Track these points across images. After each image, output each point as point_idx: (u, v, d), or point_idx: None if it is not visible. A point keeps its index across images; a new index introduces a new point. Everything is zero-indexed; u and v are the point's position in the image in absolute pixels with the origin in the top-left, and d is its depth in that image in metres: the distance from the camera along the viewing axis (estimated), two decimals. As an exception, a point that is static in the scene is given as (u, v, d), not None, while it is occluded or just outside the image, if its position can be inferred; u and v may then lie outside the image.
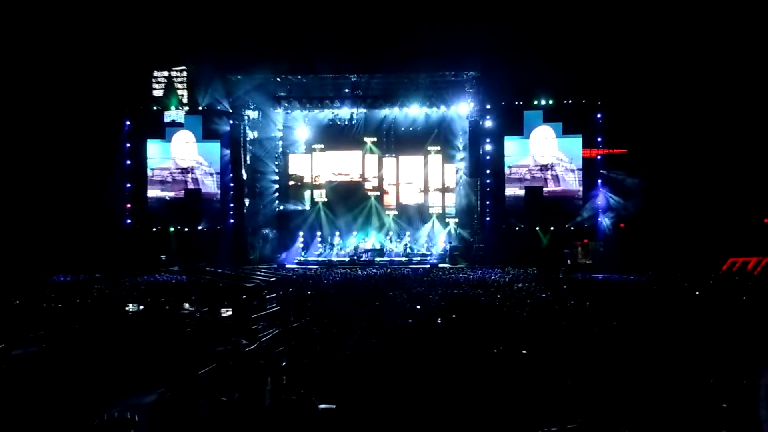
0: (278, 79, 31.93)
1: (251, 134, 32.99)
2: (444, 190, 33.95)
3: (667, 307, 13.93)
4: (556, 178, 30.74)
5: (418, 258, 31.27)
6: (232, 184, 32.00)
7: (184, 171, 32.32)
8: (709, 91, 27.02)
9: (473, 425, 7.33)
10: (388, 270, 26.65)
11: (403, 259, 31.17)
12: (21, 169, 29.07)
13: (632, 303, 14.87)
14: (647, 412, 6.77)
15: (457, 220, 33.53)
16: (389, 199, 34.20)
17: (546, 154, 30.78)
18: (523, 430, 7.05)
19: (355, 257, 31.28)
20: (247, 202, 32.50)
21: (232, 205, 32.02)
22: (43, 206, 29.03)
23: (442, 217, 33.79)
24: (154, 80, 32.06)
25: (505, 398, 7.97)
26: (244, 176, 32.19)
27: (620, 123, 29.28)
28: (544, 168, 30.83)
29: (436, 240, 33.21)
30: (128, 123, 32.00)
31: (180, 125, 31.95)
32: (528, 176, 30.96)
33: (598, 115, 30.17)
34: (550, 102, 30.67)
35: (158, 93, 32.05)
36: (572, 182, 30.65)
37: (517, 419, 7.43)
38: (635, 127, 28.59)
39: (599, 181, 30.28)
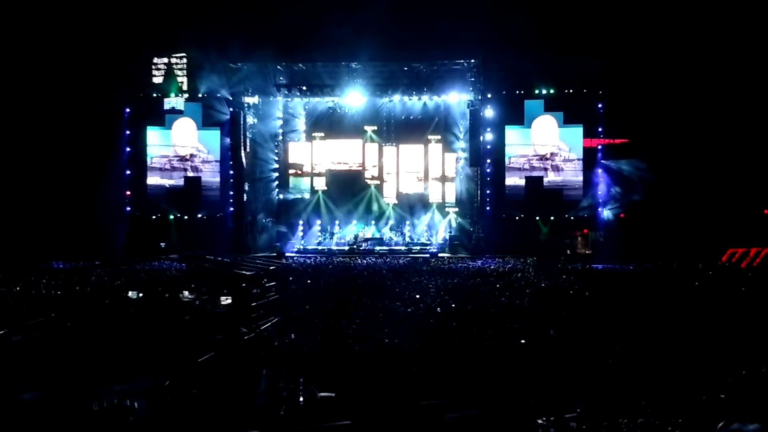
0: (279, 67, 31.81)
1: (251, 121, 32.88)
2: (444, 179, 33.90)
3: (667, 297, 13.94)
4: (556, 168, 30.69)
5: (418, 247, 31.25)
6: (231, 172, 31.95)
7: (184, 159, 32.27)
8: (710, 82, 26.95)
9: (471, 412, 7.35)
10: (388, 259, 26.64)
11: (403, 248, 31.15)
12: (21, 156, 29.00)
13: (631, 293, 14.88)
14: (645, 400, 6.78)
15: (457, 209, 33.48)
16: (389, 188, 34.14)
17: (547, 143, 30.72)
18: (520, 415, 7.06)
19: (355, 246, 31.23)
20: (246, 190, 32.43)
21: (231, 193, 31.99)
22: (43, 193, 28.99)
23: (442, 207, 33.74)
24: (154, 67, 31.97)
25: (502, 386, 7.98)
26: (244, 164, 32.12)
27: (621, 113, 29.22)
28: (544, 158, 30.77)
29: (435, 229, 33.18)
30: (128, 110, 31.92)
31: (180, 112, 31.89)
32: (527, 166, 30.92)
33: (599, 105, 30.10)
34: (551, 91, 30.60)
35: (158, 80, 31.96)
36: (572, 172, 30.59)
37: (515, 405, 7.45)
38: (636, 117, 28.54)
39: (600, 170, 30.25)
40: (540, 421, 6.53)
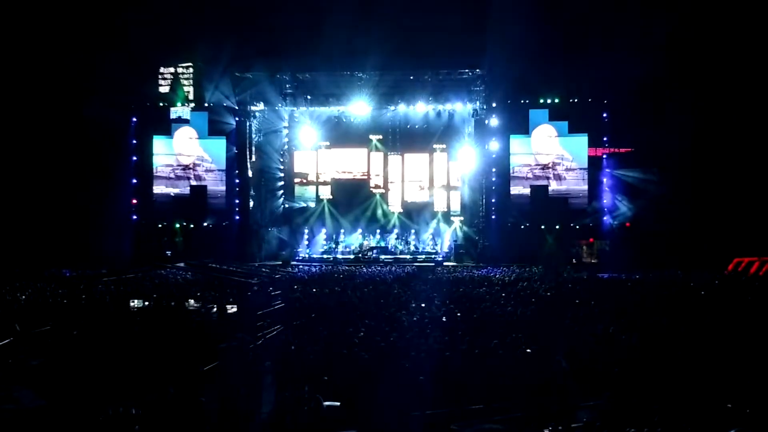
0: (284, 76, 31.87)
1: (257, 130, 32.96)
2: (449, 188, 33.87)
3: (673, 306, 13.90)
4: (558, 177, 30.66)
5: (423, 256, 31.25)
6: (237, 181, 32.02)
7: (187, 167, 32.35)
8: (715, 90, 26.93)
9: (478, 420, 7.33)
10: (393, 268, 26.64)
11: (408, 256, 31.16)
12: (28, 165, 29.13)
13: (637, 302, 14.84)
14: (653, 411, 6.77)
15: (462, 218, 33.43)
16: (394, 197, 34.13)
17: (550, 152, 30.69)
18: (526, 424, 7.05)
19: (360, 254, 31.25)
20: (252, 199, 32.52)
21: (237, 201, 32.05)
22: (50, 201, 29.09)
23: (447, 215, 33.71)
24: (160, 76, 32.09)
25: (508, 395, 7.97)
26: (250, 173, 32.20)
27: (626, 122, 29.23)
28: (545, 167, 30.75)
29: (441, 238, 33.14)
30: (135, 119, 32.06)
31: (186, 122, 31.99)
32: (530, 175, 30.90)
33: (604, 114, 30.10)
34: (556, 100, 30.60)
35: (165, 89, 32.08)
36: (577, 181, 30.56)
37: (523, 415, 7.44)
38: (641, 126, 28.52)
39: (605, 179, 30.23)
40: (546, 431, 6.53)
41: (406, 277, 21.73)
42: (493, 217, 31.02)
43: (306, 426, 6.97)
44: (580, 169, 30.53)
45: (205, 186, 32.37)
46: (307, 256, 31.91)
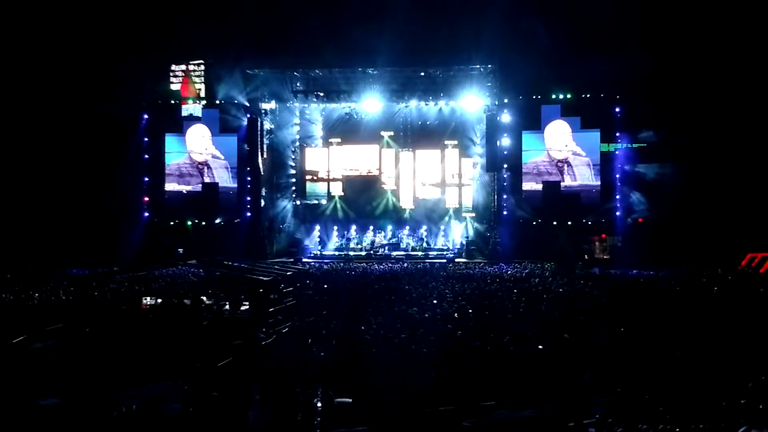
0: (295, 73, 31.89)
1: (268, 127, 32.99)
2: (461, 184, 33.78)
3: (686, 302, 13.83)
4: (572, 173, 30.55)
5: (435, 252, 31.20)
6: (248, 178, 32.06)
7: (200, 165, 32.46)
8: (728, 85, 26.72)
9: (488, 417, 7.33)
10: (405, 264, 26.63)
11: (420, 253, 31.09)
12: (41, 163, 29.30)
13: (650, 299, 14.77)
14: (665, 406, 6.74)
15: (473, 214, 33.33)
16: (405, 194, 34.09)
17: (563, 148, 30.58)
18: (541, 423, 7.03)
19: (372, 251, 31.24)
20: (263, 195, 32.57)
21: (248, 198, 32.09)
22: (62, 200, 29.25)
23: (459, 212, 33.62)
24: (171, 74, 32.15)
25: (521, 392, 7.96)
26: (261, 170, 32.23)
27: (639, 117, 29.07)
28: (559, 163, 30.64)
29: (452, 235, 33.09)
30: (146, 117, 32.18)
31: (197, 119, 32.07)
32: (542, 171, 30.76)
33: (617, 109, 29.95)
34: (568, 96, 30.46)
35: (176, 87, 32.15)
36: (590, 177, 30.44)
37: (534, 411, 7.42)
38: (654, 121, 28.37)
39: (617, 175, 30.09)
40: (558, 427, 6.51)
41: (417, 274, 21.72)
42: (505, 213, 30.91)
43: (318, 422, 6.99)
44: (593, 164, 30.42)
45: (217, 183, 32.49)
46: (318, 252, 31.92)
